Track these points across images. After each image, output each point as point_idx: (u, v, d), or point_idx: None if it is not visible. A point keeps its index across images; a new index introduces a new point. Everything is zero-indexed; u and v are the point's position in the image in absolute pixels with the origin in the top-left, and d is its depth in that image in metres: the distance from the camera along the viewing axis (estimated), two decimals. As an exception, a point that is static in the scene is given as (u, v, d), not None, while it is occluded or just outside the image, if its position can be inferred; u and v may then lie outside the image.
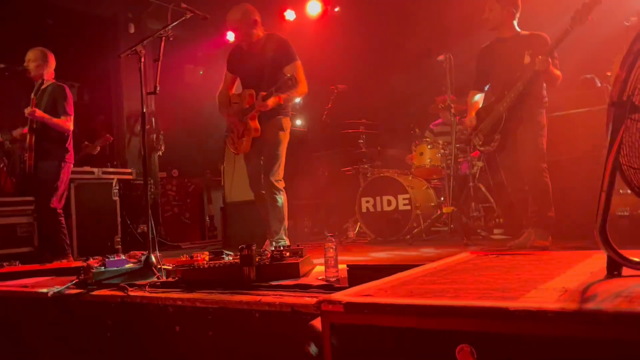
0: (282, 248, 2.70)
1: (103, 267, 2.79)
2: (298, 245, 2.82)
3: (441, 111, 5.60)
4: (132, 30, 7.65)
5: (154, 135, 7.29)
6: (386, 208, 5.06)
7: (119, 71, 7.66)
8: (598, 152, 3.97)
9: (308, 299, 1.89)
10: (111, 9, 7.68)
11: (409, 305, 1.06)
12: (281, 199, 3.86)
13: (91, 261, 3.14)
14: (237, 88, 4.17)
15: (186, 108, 7.99)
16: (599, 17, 3.29)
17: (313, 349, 1.15)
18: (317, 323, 1.30)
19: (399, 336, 1.07)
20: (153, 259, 2.81)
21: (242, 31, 3.84)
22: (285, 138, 3.92)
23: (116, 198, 5.90)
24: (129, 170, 6.39)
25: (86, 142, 5.94)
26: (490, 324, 0.97)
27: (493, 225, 4.94)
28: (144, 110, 3.06)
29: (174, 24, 3.18)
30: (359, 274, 2.07)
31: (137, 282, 2.57)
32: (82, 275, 2.76)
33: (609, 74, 4.57)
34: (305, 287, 2.13)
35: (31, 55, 4.51)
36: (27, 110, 4.32)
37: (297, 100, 5.57)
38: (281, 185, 3.88)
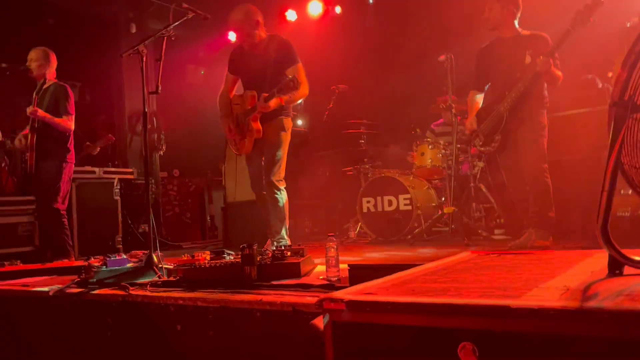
0: (283, 248, 2.70)
1: (104, 267, 2.79)
2: (299, 245, 2.83)
3: (442, 111, 5.60)
4: (133, 30, 7.66)
5: (155, 135, 7.30)
6: (387, 208, 5.06)
7: (121, 71, 7.67)
8: (599, 152, 3.97)
9: (309, 299, 1.89)
10: (112, 9, 7.69)
11: (410, 303, 1.06)
12: (282, 198, 3.86)
13: (92, 260, 3.15)
14: (238, 89, 4.17)
15: (187, 108, 7.99)
16: (600, 18, 3.29)
17: None
18: (318, 322, 1.30)
19: (400, 334, 1.07)
20: (154, 258, 2.81)
21: (245, 32, 3.84)
22: (286, 138, 3.92)
23: (117, 197, 5.90)
24: (130, 170, 6.40)
25: (88, 143, 5.94)
26: (492, 322, 0.97)
27: (494, 225, 4.94)
28: (146, 110, 3.06)
29: (176, 23, 3.18)
30: (360, 274, 2.07)
31: (139, 282, 2.57)
32: (83, 274, 2.76)
33: (610, 74, 4.57)
34: (306, 287, 2.13)
35: (33, 55, 4.52)
36: (28, 110, 4.33)
37: (299, 101, 5.58)
38: (282, 185, 3.88)
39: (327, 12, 7.51)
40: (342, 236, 5.59)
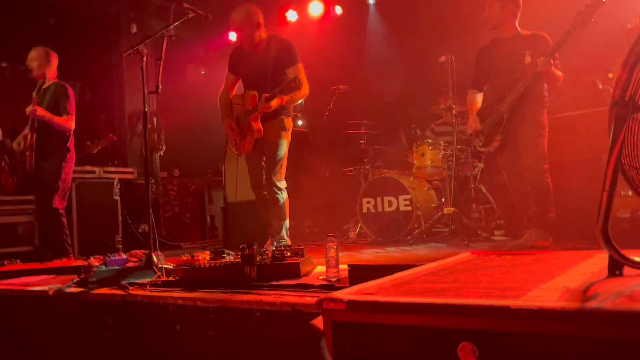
0: (283, 248, 2.70)
1: (104, 266, 2.79)
2: (299, 245, 2.82)
3: (443, 112, 5.60)
4: (134, 29, 7.66)
5: (156, 135, 7.30)
6: (387, 209, 5.06)
7: (121, 70, 7.68)
8: (599, 153, 3.97)
9: (309, 299, 1.89)
10: (113, 9, 7.70)
11: (410, 304, 1.06)
12: (283, 198, 3.86)
13: (92, 260, 3.14)
14: (238, 89, 4.17)
15: (188, 108, 7.99)
16: (600, 18, 3.29)
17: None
18: (317, 322, 1.30)
19: (400, 334, 1.07)
20: (154, 258, 2.81)
21: (245, 32, 3.84)
22: (287, 138, 3.92)
23: (117, 197, 5.91)
24: (130, 170, 6.40)
25: (88, 143, 5.95)
26: (492, 323, 0.97)
27: (494, 226, 4.94)
28: (146, 110, 3.06)
29: (176, 23, 3.18)
30: (360, 274, 2.07)
31: (138, 281, 2.57)
32: (83, 274, 2.76)
33: (610, 75, 4.57)
34: (306, 287, 2.13)
35: (34, 55, 4.52)
36: (28, 109, 4.33)
37: (299, 101, 5.58)
38: (283, 185, 3.88)
39: (327, 13, 7.52)
40: (341, 237, 5.59)
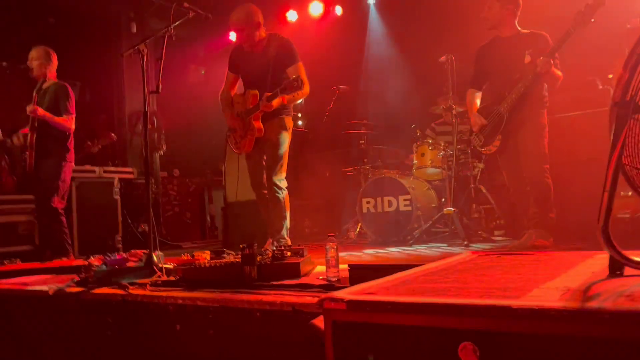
0: (283, 248, 2.70)
1: (104, 266, 2.79)
2: (299, 245, 2.82)
3: (443, 112, 5.60)
4: (134, 29, 7.67)
5: (156, 135, 7.30)
6: (387, 209, 5.06)
7: (121, 70, 7.68)
8: (599, 153, 3.96)
9: (309, 299, 1.89)
10: (113, 8, 7.70)
11: (411, 303, 1.06)
12: (283, 198, 3.87)
13: (92, 260, 3.14)
14: (239, 88, 4.17)
15: (188, 108, 8.00)
16: (600, 19, 3.29)
17: None
18: (318, 322, 1.30)
19: (401, 334, 1.07)
20: (154, 257, 2.80)
21: (245, 32, 3.84)
22: (287, 138, 3.93)
23: (117, 197, 5.91)
24: (130, 170, 6.40)
25: (89, 142, 5.95)
26: (493, 322, 0.97)
27: (494, 226, 4.94)
28: (146, 110, 3.06)
29: (177, 23, 3.18)
30: (360, 274, 2.07)
31: (138, 281, 2.57)
32: (83, 273, 2.76)
33: (610, 76, 4.57)
34: (306, 287, 2.13)
35: (34, 54, 4.52)
36: (28, 108, 4.33)
37: (299, 101, 5.59)
38: (284, 184, 3.88)
39: (327, 13, 7.53)
40: (341, 237, 5.59)
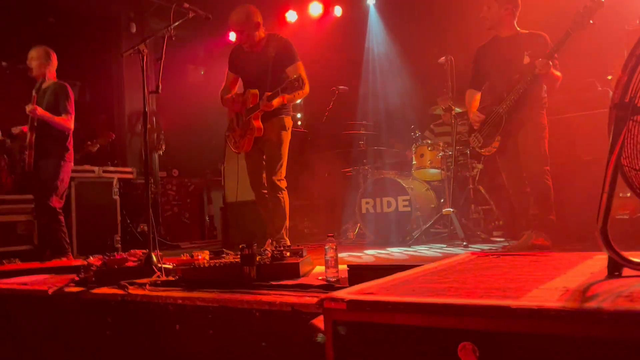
0: (282, 248, 2.70)
1: (103, 266, 2.79)
2: (298, 245, 2.83)
3: (442, 112, 5.61)
4: (133, 29, 7.67)
5: (155, 135, 7.31)
6: (386, 209, 5.06)
7: (121, 70, 7.68)
8: (597, 154, 3.98)
9: (308, 299, 1.89)
10: (113, 8, 7.70)
11: (411, 303, 1.07)
12: (283, 198, 3.87)
13: (91, 259, 3.14)
14: (239, 88, 4.18)
15: (187, 108, 8.00)
16: (599, 20, 3.30)
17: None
18: (318, 322, 1.30)
19: (401, 334, 1.07)
20: (153, 257, 2.81)
21: (245, 33, 3.85)
22: (287, 137, 3.93)
23: (116, 197, 5.91)
24: (130, 170, 6.40)
25: (89, 142, 5.96)
26: (492, 322, 0.98)
27: (493, 227, 4.95)
28: (146, 110, 3.06)
29: (176, 23, 3.19)
30: (359, 274, 2.07)
31: (138, 281, 2.56)
32: (82, 273, 2.76)
33: (609, 77, 4.58)
34: (305, 287, 2.13)
35: (34, 54, 4.53)
36: (28, 108, 4.33)
37: (298, 101, 5.60)
38: (283, 184, 3.89)
39: (327, 13, 7.53)
40: (340, 237, 5.59)
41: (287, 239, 3.89)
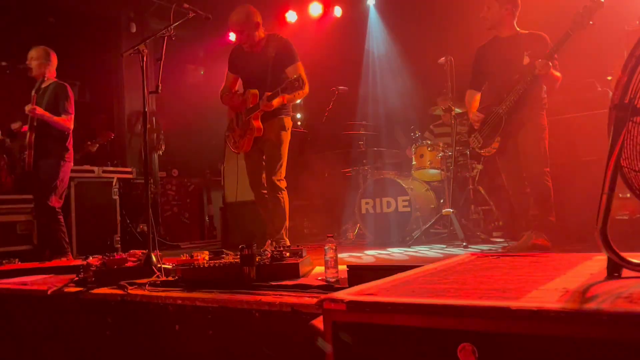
0: (282, 248, 2.70)
1: (103, 266, 2.79)
2: (298, 246, 2.83)
3: (442, 113, 5.61)
4: (133, 29, 7.67)
5: (155, 135, 7.31)
6: (386, 210, 5.06)
7: (121, 70, 7.68)
8: (597, 155, 3.98)
9: (308, 299, 1.89)
10: (113, 8, 7.70)
11: (411, 304, 1.07)
12: (283, 198, 3.87)
13: (91, 259, 3.14)
14: (238, 88, 4.18)
15: (187, 108, 8.01)
16: (599, 21, 3.30)
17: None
18: (318, 323, 1.30)
19: (400, 335, 1.07)
20: (153, 258, 2.81)
21: (245, 33, 3.86)
22: (287, 138, 3.94)
23: (116, 197, 5.91)
24: (129, 170, 6.40)
25: (89, 142, 5.96)
26: (492, 324, 0.98)
27: (492, 227, 4.95)
28: (146, 110, 3.06)
29: (176, 23, 3.19)
30: (359, 275, 2.07)
31: (137, 281, 2.57)
32: (82, 273, 2.76)
33: (609, 78, 4.58)
34: (305, 287, 2.13)
35: (34, 54, 4.53)
36: (27, 108, 4.34)
37: (298, 101, 5.60)
38: (283, 184, 3.89)
39: (327, 14, 7.54)
40: (340, 237, 5.59)
41: (287, 239, 3.89)
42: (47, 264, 3.68)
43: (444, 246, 4.35)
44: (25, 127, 4.43)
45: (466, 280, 1.40)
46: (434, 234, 4.98)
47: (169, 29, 3.14)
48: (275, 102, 3.71)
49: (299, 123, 7.12)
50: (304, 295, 1.98)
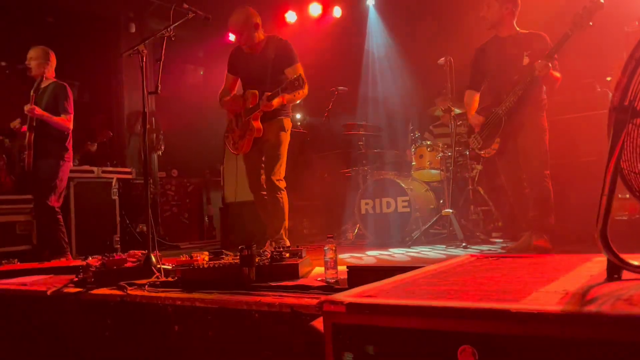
0: (281, 249, 2.70)
1: (102, 266, 2.79)
2: (297, 246, 2.83)
3: (441, 113, 5.62)
4: (133, 29, 7.66)
5: (154, 135, 7.31)
6: (385, 210, 5.07)
7: (120, 70, 7.68)
8: (596, 155, 3.99)
9: (308, 300, 1.89)
10: (113, 8, 7.70)
11: (411, 306, 1.07)
12: (282, 198, 3.87)
13: (90, 260, 3.14)
14: (238, 90, 4.18)
15: (186, 108, 8.00)
16: (598, 22, 3.30)
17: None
18: (317, 324, 1.30)
19: (400, 337, 1.07)
20: (153, 258, 2.80)
21: (244, 35, 3.86)
22: (286, 138, 3.93)
23: (115, 197, 5.91)
24: (129, 170, 6.40)
25: (88, 142, 5.95)
26: (492, 326, 0.98)
27: (492, 228, 4.96)
28: (145, 110, 3.06)
29: (176, 24, 3.18)
30: (358, 276, 2.07)
31: (137, 282, 2.56)
32: (81, 274, 2.76)
33: (608, 78, 4.59)
34: (304, 288, 2.13)
35: (33, 54, 4.52)
36: (26, 108, 4.33)
37: (297, 102, 5.60)
38: (282, 184, 3.89)
39: (326, 14, 7.54)
40: (340, 238, 5.60)
41: (287, 240, 3.89)
42: (47, 265, 3.68)
43: (444, 247, 4.35)
44: (25, 127, 4.43)
45: (466, 281, 1.40)
46: (433, 235, 4.98)
47: (168, 29, 3.14)
48: (275, 102, 3.71)
49: (298, 123, 7.12)
50: (303, 296, 1.97)
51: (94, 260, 3.08)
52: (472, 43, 4.11)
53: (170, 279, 2.59)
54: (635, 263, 1.28)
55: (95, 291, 2.52)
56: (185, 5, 3.28)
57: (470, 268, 1.71)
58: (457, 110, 4.83)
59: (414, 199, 4.90)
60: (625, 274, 1.31)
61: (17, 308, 2.80)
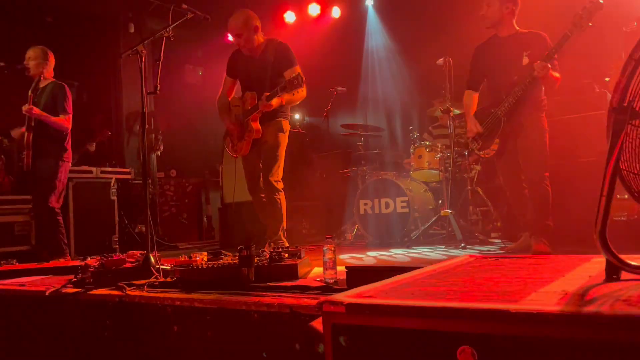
0: (280, 249, 2.70)
1: (101, 267, 2.79)
2: (296, 247, 2.83)
3: (440, 114, 5.62)
4: (132, 29, 7.65)
5: (153, 135, 7.30)
6: (384, 210, 5.07)
7: (119, 70, 7.66)
8: (595, 156, 3.99)
9: (307, 300, 1.89)
10: (111, 9, 7.69)
11: (410, 307, 1.07)
12: (280, 199, 3.87)
13: (89, 260, 3.13)
14: (236, 92, 4.18)
15: (185, 108, 8.00)
16: (598, 22, 3.30)
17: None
18: (317, 324, 1.30)
19: (400, 337, 1.07)
20: (151, 258, 2.80)
21: (244, 38, 3.86)
22: (284, 140, 3.94)
23: (114, 197, 5.90)
24: (128, 170, 6.39)
25: (87, 143, 5.95)
26: (492, 326, 0.98)
27: (491, 228, 4.96)
28: (144, 111, 3.05)
29: (175, 24, 3.18)
30: (357, 276, 2.07)
31: (135, 282, 2.56)
32: (80, 274, 2.75)
33: (607, 79, 4.59)
34: (304, 289, 2.13)
35: (31, 54, 4.52)
36: (24, 108, 4.32)
37: (296, 103, 5.61)
38: (280, 186, 3.89)
39: (325, 14, 7.55)
40: (339, 238, 5.59)
41: (285, 240, 3.89)
42: (45, 265, 3.67)
43: (443, 247, 4.36)
44: (24, 129, 4.42)
45: (465, 282, 1.40)
46: (432, 235, 4.98)
47: (167, 29, 3.14)
48: (275, 102, 3.70)
49: (297, 124, 7.12)
50: (302, 297, 1.97)
51: (92, 261, 3.07)
52: (471, 44, 4.12)
53: (169, 279, 2.58)
54: (634, 264, 1.28)
55: (94, 291, 2.51)
56: (184, 6, 3.28)
57: (469, 268, 1.71)
58: (456, 111, 4.83)
59: (412, 200, 4.90)
60: (624, 275, 1.31)
61: (16, 308, 2.80)
